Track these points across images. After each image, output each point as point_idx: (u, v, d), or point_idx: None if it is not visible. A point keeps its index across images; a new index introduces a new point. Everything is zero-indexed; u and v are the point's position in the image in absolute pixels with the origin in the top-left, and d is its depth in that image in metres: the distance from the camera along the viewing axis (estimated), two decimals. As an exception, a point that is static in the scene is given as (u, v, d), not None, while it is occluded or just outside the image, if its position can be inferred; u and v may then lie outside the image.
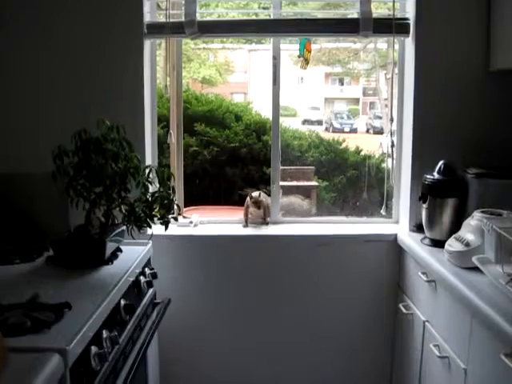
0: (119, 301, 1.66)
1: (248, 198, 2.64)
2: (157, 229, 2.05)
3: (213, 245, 2.50)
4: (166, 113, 3.49)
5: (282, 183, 2.77)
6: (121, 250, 2.05)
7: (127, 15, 2.19)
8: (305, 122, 5.26)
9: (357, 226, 2.67)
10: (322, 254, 2.52)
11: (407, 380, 2.13)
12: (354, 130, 4.89)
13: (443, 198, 2.15)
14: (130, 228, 1.90)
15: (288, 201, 3.01)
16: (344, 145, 4.31)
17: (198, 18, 2.40)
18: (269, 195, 2.76)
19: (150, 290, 2.11)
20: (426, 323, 1.94)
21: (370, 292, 2.52)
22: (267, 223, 2.55)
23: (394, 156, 2.56)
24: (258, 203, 2.59)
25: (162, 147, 3.64)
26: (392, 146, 2.55)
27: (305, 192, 3.54)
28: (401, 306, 2.35)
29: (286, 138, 4.49)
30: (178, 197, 2.70)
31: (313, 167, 4.31)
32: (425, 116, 2.39)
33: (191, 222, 2.63)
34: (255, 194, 2.65)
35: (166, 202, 1.92)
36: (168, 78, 2.57)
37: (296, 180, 4.18)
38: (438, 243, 2.04)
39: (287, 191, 3.43)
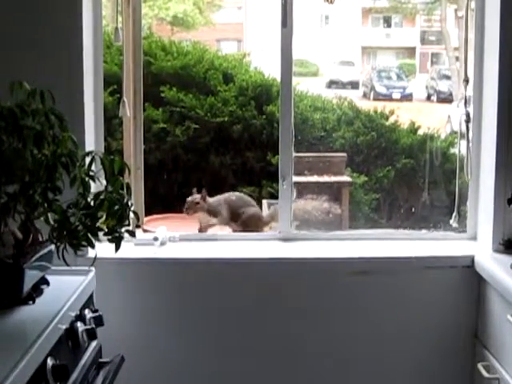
0: (45, 360, 1.67)
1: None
2: (103, 249, 2.07)
3: (189, 273, 2.53)
4: (117, 71, 3.51)
5: (296, 179, 2.77)
6: (47, 282, 2.05)
7: None
8: (332, 84, 5.21)
9: (413, 244, 2.68)
10: (358, 288, 2.54)
11: None
12: (407, 97, 4.86)
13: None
14: (62, 248, 1.90)
15: (305, 205, 3.02)
16: (392, 119, 4.29)
17: None
18: (275, 197, 2.77)
19: (93, 344, 2.12)
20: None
21: (432, 345, 2.54)
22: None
23: (471, 137, 2.57)
24: (212, 212, 2.85)
25: (111, 124, 3.66)
26: (467, 121, 2.56)
27: (331, 192, 3.55)
28: (480, 366, 2.35)
29: (302, 108, 4.48)
30: (136, 200, 2.73)
31: (344, 154, 4.22)
32: (517, 75, 2.42)
33: (156, 239, 2.64)
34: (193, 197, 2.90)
35: (116, 207, 1.93)
36: (120, 18, 2.58)
37: (318, 174, 4.13)
38: (539, 270, 2.07)
39: (304, 191, 3.43)
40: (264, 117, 4.32)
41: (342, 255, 2.58)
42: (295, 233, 2.75)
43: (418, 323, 2.54)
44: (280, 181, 2.70)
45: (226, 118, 4.28)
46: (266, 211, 3.14)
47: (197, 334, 2.55)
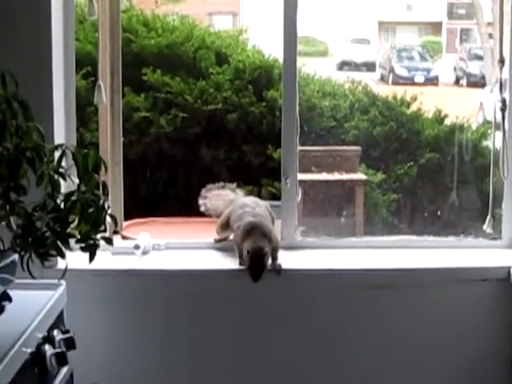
0: (7, 390, 1.66)
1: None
2: (75, 259, 2.09)
3: (176, 287, 2.54)
4: (92, 50, 3.51)
5: (301, 176, 2.78)
6: (10, 298, 2.05)
7: None
8: (343, 65, 5.21)
9: (439, 253, 2.70)
10: (376, 305, 2.55)
11: None
12: (432, 81, 4.86)
13: None
14: (27, 258, 1.90)
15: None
16: (415, 107, 4.29)
17: None
18: (277, 197, 2.79)
19: (64, 370, 2.12)
20: None
21: (462, 370, 2.55)
22: (278, 270, 2.52)
23: (507, 128, 2.57)
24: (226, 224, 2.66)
25: (85, 112, 3.67)
26: (503, 109, 2.56)
27: (343, 192, 3.55)
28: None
29: (309, 94, 4.47)
30: (114, 201, 2.74)
31: (357, 148, 4.20)
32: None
33: (137, 247, 2.65)
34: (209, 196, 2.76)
35: (91, 210, 1.93)
36: (95, -13, 2.62)
37: (327, 171, 4.14)
38: None
39: (311, 191, 3.43)
40: (264, 104, 4.33)
41: (356, 266, 2.59)
42: (301, 240, 2.75)
43: (445, 345, 2.55)
44: (282, 179, 2.71)
45: (220, 106, 4.28)
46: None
47: (186, 358, 2.55)
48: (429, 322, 2.55)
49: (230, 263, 2.59)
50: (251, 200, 2.72)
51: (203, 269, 2.58)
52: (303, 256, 2.69)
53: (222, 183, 2.84)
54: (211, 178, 3.73)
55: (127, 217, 3.01)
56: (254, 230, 2.48)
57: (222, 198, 2.80)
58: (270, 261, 2.49)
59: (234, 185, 2.84)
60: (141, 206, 3.89)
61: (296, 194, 2.73)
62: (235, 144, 4.37)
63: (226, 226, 2.67)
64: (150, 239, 2.71)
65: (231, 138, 4.38)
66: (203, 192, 2.82)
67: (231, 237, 2.64)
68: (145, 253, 2.65)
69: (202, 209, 2.81)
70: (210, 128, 4.39)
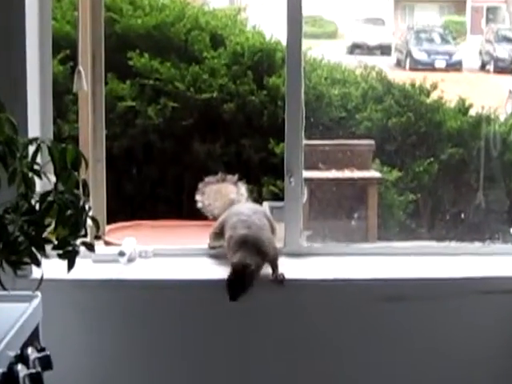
0: (-25, 415, 1.67)
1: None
2: (52, 268, 2.08)
3: (165, 299, 2.55)
4: (71, 31, 3.51)
5: (307, 174, 2.82)
6: (-22, 312, 2.04)
7: None
8: (355, 48, 5.22)
9: (463, 260, 2.70)
10: (391, 319, 2.56)
11: None
12: (455, 66, 4.85)
13: None
14: (-3, 266, 1.90)
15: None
16: (435, 95, 4.30)
17: None
18: (280, 198, 2.80)
19: (39, 394, 2.12)
20: None
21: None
22: (280, 280, 2.53)
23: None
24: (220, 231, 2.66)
25: (63, 101, 3.66)
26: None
27: (354, 192, 3.54)
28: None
29: (316, 81, 4.47)
30: (96, 202, 2.75)
31: (371, 142, 4.17)
32: None
33: (122, 254, 2.66)
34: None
35: (69, 213, 1.93)
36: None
37: (336, 168, 4.13)
38: None
39: (318, 190, 3.43)
40: (265, 92, 4.34)
41: (369, 276, 2.59)
42: (306, 246, 2.76)
43: (469, 364, 2.56)
44: (286, 177, 2.72)
45: (215, 94, 4.28)
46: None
47: (173, 378, 2.56)
48: (450, 338, 2.56)
49: (226, 272, 2.59)
50: (248, 207, 2.72)
51: (196, 279, 2.58)
52: (309, 264, 2.69)
53: (222, 175, 2.84)
54: (205, 176, 3.73)
55: (111, 220, 3.01)
56: (246, 244, 2.50)
57: (221, 196, 2.81)
58: (270, 271, 2.52)
59: (236, 177, 2.84)
60: (126, 207, 3.90)
61: (301, 193, 2.74)
62: (232, 137, 4.37)
63: (219, 234, 2.68)
64: (136, 245, 2.71)
65: (228, 130, 4.38)
66: (201, 186, 2.83)
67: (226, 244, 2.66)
68: (130, 260, 2.66)
69: (200, 205, 2.81)
70: (204, 119, 4.39)
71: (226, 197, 2.79)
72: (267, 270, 2.56)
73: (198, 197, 2.82)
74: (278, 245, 2.70)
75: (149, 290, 2.55)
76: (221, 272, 2.58)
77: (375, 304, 2.54)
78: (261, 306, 2.54)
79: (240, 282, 2.42)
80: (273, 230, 2.68)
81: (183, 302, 2.54)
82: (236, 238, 2.53)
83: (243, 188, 2.86)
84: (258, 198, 3.80)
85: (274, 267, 2.54)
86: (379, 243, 2.97)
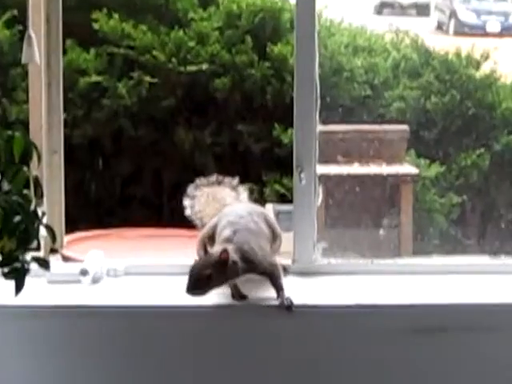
0: None
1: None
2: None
3: (140, 330, 2.55)
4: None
5: (322, 169, 2.80)
6: None
7: None
8: (384, 7, 5.22)
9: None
10: (429, 355, 2.56)
11: None
12: (510, 30, 4.85)
13: None
14: None
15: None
16: (487, 68, 4.29)
17: None
18: (287, 200, 2.78)
19: None
20: None
21: None
22: (288, 306, 2.55)
23: None
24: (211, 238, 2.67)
25: (9, 76, 3.65)
26: None
27: (384, 192, 3.53)
28: None
29: (333, 49, 4.45)
30: (52, 207, 2.75)
31: (404, 127, 4.26)
32: None
33: (85, 273, 2.67)
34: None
35: (17, 219, 1.92)
36: None
37: (360, 161, 4.12)
38: None
39: (338, 190, 3.41)
40: (268, 64, 4.35)
41: (401, 301, 2.60)
42: (321, 263, 2.78)
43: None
44: (295, 173, 2.73)
45: (204, 67, 4.26)
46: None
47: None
48: (505, 379, 2.56)
49: (218, 295, 2.59)
50: (244, 207, 2.73)
51: (180, 305, 2.57)
52: (325, 286, 2.70)
53: (218, 177, 2.83)
54: (192, 172, 3.74)
55: (71, 228, 3.01)
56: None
57: (214, 201, 2.81)
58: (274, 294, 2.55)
59: (236, 180, 2.83)
60: (90, 212, 3.89)
61: (315, 194, 2.75)
62: (226, 122, 4.37)
63: (211, 241, 2.69)
64: (103, 261, 2.72)
65: (221, 113, 4.38)
66: (190, 190, 2.82)
67: None
68: (95, 281, 2.66)
69: (188, 212, 2.81)
70: (190, 99, 4.39)
71: (221, 202, 2.78)
72: (271, 292, 2.57)
73: (186, 202, 2.82)
74: (285, 260, 2.72)
75: (119, 319, 2.55)
76: (212, 296, 2.58)
77: (409, 337, 2.55)
78: (264, 338, 2.56)
79: (194, 274, 2.48)
80: (275, 238, 2.68)
81: (164, 332, 2.55)
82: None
83: (244, 194, 2.85)
84: (259, 200, 3.78)
85: (277, 288, 2.55)
86: (415, 259, 2.96)
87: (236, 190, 2.83)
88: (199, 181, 2.83)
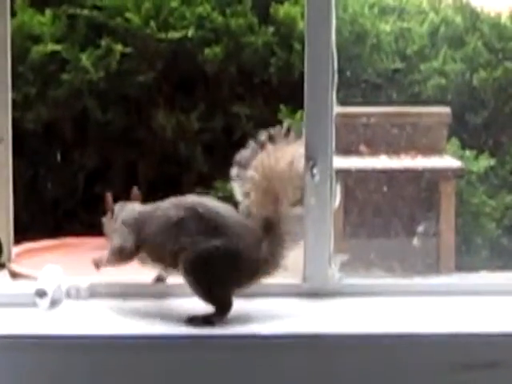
0: None
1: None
2: None
3: (116, 365, 2.56)
4: None
5: (341, 162, 2.83)
6: None
7: None
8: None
9: None
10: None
11: None
12: None
13: None
14: None
15: None
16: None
17: None
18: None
19: None
20: None
21: None
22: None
23: None
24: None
25: None
26: None
27: (419, 190, 3.52)
28: None
29: (354, 10, 4.43)
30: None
31: (445, 110, 4.27)
32: None
33: (41, 294, 2.67)
34: None
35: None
36: None
37: (389, 152, 4.13)
38: None
39: (360, 189, 3.41)
40: (272, 29, 4.40)
41: (441, 329, 2.60)
42: (339, 281, 2.80)
43: None
44: (306, 167, 2.75)
45: (191, 33, 4.25)
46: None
47: None
48: None
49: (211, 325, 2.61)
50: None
51: (159, 334, 2.59)
52: (343, 310, 2.71)
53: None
54: (175, 166, 3.75)
55: (20, 237, 3.01)
56: None
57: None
58: None
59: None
60: (45, 217, 3.89)
61: (331, 194, 2.77)
62: (219, 103, 4.37)
63: None
64: (61, 278, 2.73)
65: (212, 91, 4.38)
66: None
67: None
68: (54, 303, 2.67)
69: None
70: (172, 74, 4.39)
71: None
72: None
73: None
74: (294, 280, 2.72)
75: (84, 352, 2.56)
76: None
77: (451, 374, 2.56)
78: (270, 374, 2.57)
79: None
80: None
81: (139, 371, 2.56)
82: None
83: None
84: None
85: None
86: (458, 276, 2.97)
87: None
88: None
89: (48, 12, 4.35)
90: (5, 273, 2.78)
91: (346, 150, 3.21)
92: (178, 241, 2.63)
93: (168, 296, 2.78)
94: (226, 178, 2.91)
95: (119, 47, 4.33)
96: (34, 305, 2.65)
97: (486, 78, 4.04)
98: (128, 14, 4.36)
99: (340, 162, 2.81)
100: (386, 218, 3.82)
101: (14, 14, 3.02)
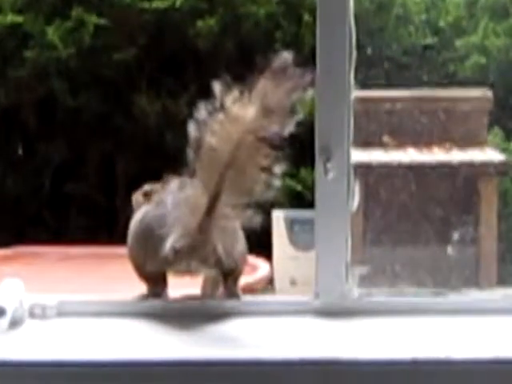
0: None
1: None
2: None
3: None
4: None
5: (360, 156, 2.78)
6: None
7: None
8: None
9: None
10: None
11: None
12: None
13: None
14: None
15: None
16: None
17: None
18: (307, 201, 2.80)
19: None
20: None
21: None
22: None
23: None
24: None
25: None
26: None
27: (454, 189, 3.54)
28: None
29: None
30: None
31: (486, 93, 4.32)
32: None
33: (0, 312, 2.67)
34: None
35: None
36: None
37: (419, 144, 4.17)
38: None
39: (384, 187, 3.43)
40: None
41: (480, 353, 2.58)
42: (358, 297, 2.83)
43: None
44: (318, 161, 2.79)
45: (179, 1, 4.30)
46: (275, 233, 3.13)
47: None
48: None
49: (200, 349, 2.62)
50: None
51: (142, 359, 2.59)
52: (363, 331, 2.73)
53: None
54: (159, 160, 3.79)
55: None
56: None
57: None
58: None
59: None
60: (5, 220, 3.91)
61: (348, 194, 2.79)
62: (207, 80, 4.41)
63: None
64: (23, 294, 2.75)
65: (205, 71, 4.41)
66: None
67: None
68: (14, 323, 2.69)
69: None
70: (157, 51, 4.42)
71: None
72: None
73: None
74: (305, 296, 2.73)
75: (50, 381, 2.57)
76: (190, 346, 2.63)
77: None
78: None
79: None
80: None
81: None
82: None
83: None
84: (263, 202, 3.79)
85: None
86: (501, 290, 2.98)
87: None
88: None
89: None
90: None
91: (366, 142, 3.22)
92: None
93: (150, 314, 2.79)
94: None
95: (93, 18, 4.38)
96: (-9, 327, 2.67)
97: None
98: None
99: (359, 155, 2.81)
100: (414, 223, 3.83)
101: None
